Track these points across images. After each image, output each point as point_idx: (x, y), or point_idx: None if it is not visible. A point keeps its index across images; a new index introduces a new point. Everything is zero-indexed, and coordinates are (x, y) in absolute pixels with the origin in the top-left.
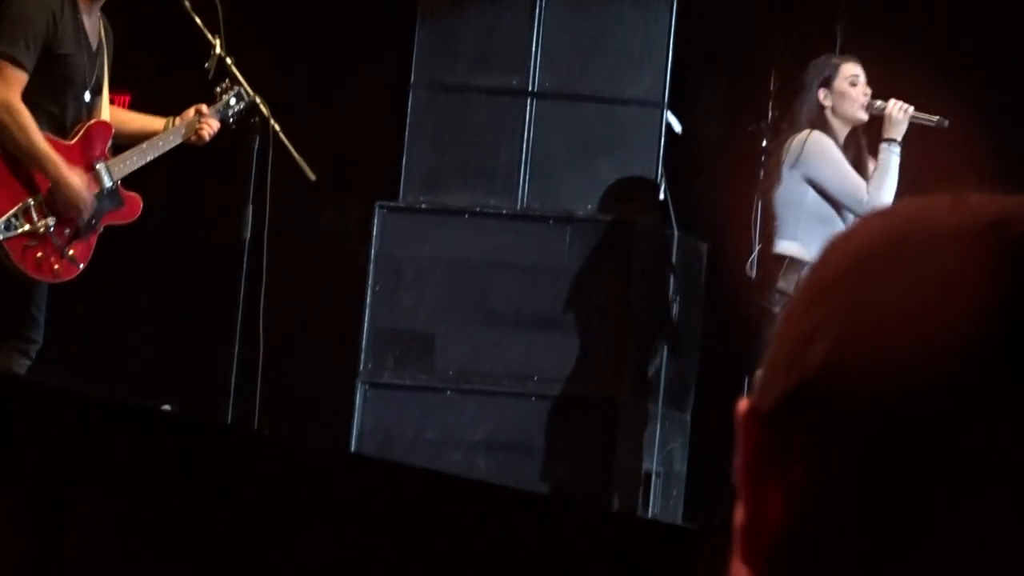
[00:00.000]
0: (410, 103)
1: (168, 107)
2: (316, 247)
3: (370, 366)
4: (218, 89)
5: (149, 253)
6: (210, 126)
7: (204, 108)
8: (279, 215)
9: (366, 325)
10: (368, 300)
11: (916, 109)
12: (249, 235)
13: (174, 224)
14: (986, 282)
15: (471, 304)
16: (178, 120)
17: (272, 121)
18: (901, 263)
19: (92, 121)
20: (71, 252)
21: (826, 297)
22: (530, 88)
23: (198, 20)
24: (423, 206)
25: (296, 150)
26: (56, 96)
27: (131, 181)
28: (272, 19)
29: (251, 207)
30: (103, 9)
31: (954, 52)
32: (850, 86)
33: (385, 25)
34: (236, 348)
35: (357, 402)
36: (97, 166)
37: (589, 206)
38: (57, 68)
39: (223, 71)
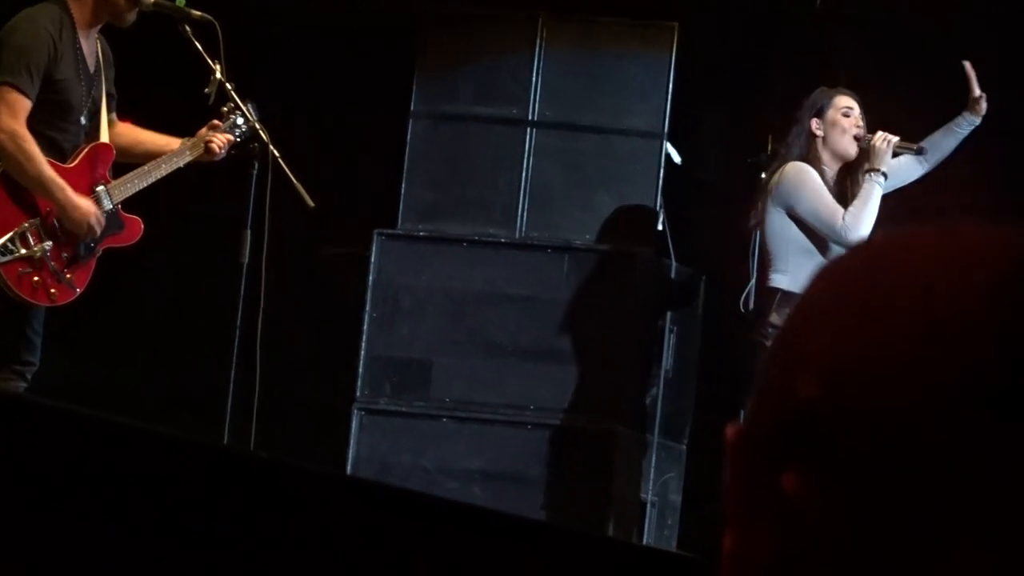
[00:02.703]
0: (410, 132)
1: (167, 133)
2: (314, 273)
3: (366, 393)
4: (224, 109)
5: (147, 276)
6: (220, 139)
7: (217, 123)
8: (277, 241)
9: (363, 352)
10: (365, 327)
11: (901, 140)
12: (247, 260)
13: (172, 247)
14: (982, 317)
15: (468, 333)
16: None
17: (272, 147)
18: (889, 295)
19: (93, 144)
20: (68, 276)
21: (812, 329)
22: (530, 118)
23: (199, 46)
24: (421, 234)
25: (295, 177)
26: (55, 121)
27: (130, 204)
28: (272, 45)
29: (249, 232)
30: (102, 32)
31: (957, 88)
32: (843, 116)
33: (386, 54)
34: (232, 372)
35: (353, 429)
36: (97, 189)
37: (588, 236)
38: (55, 93)
39: (224, 97)
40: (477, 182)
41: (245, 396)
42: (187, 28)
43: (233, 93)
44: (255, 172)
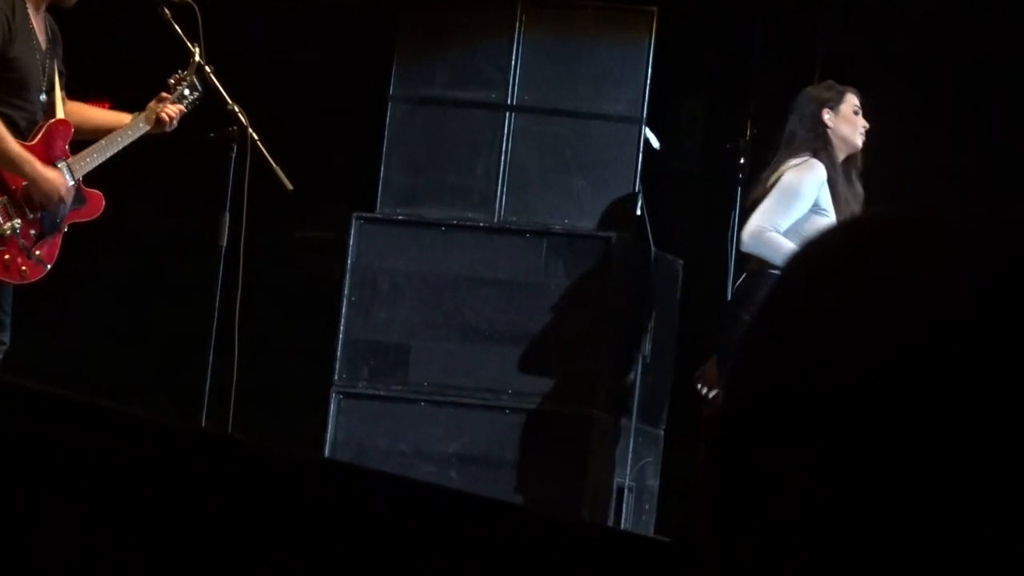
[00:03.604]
0: (388, 115)
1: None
2: (292, 257)
3: (344, 376)
4: (171, 80)
5: (125, 259)
6: (170, 110)
7: (164, 95)
8: (256, 224)
9: (341, 335)
10: (343, 311)
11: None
12: (226, 243)
13: (151, 230)
14: (962, 304)
15: (446, 317)
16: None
17: (250, 130)
18: (871, 279)
19: (51, 121)
20: (37, 253)
21: (791, 311)
22: (508, 102)
23: (178, 29)
24: (400, 218)
25: (274, 160)
26: (11, 99)
27: (111, 185)
28: (252, 29)
29: (228, 215)
30: (50, 11)
31: (932, 78)
32: (853, 114)
33: (366, 37)
34: (211, 355)
35: (331, 412)
36: (58, 165)
37: (566, 221)
38: (12, 72)
39: (202, 80)
40: (456, 166)
41: (223, 379)
42: (166, 11)
43: (212, 76)
44: (234, 155)
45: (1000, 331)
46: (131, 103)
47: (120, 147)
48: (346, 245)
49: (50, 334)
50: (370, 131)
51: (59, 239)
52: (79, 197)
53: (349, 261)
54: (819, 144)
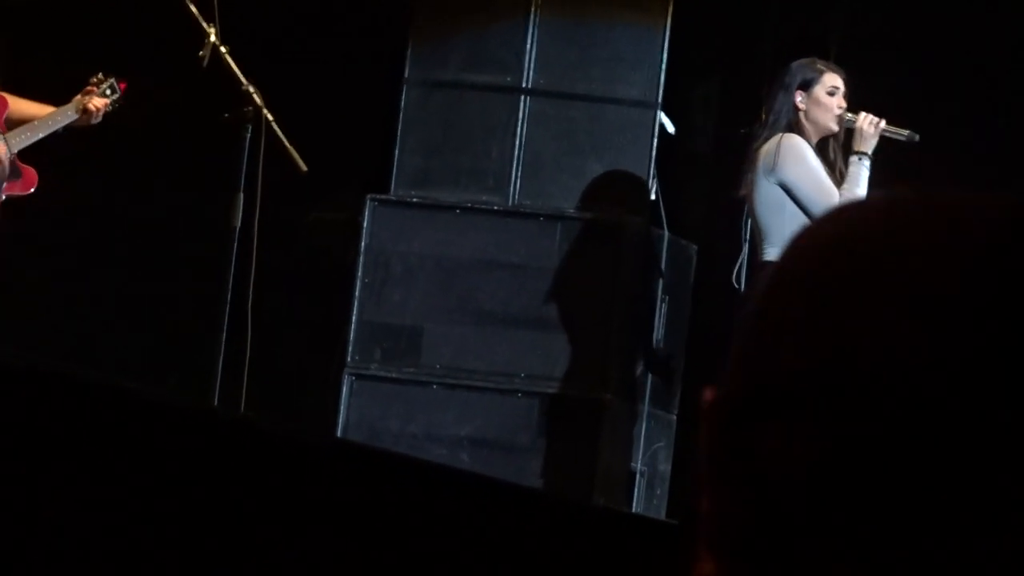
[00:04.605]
0: (403, 98)
1: (161, 95)
2: (306, 238)
3: (357, 358)
4: (93, 79)
5: (138, 238)
6: (96, 102)
7: (90, 89)
8: (270, 205)
9: (354, 317)
10: (356, 293)
11: (887, 123)
12: (239, 224)
13: (164, 210)
14: (961, 288)
15: (459, 300)
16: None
17: (265, 111)
18: (868, 263)
19: None
20: None
21: (791, 296)
22: (523, 85)
23: (194, 9)
24: (414, 200)
25: (288, 141)
26: None
27: (128, 165)
28: (267, 9)
29: (242, 196)
30: None
31: (946, 68)
32: (828, 95)
33: (380, 19)
34: (223, 336)
35: (343, 394)
36: None
37: (580, 205)
38: None
39: (218, 60)
40: (470, 149)
41: (236, 359)
42: None
43: (228, 57)
44: (248, 136)
45: (1005, 314)
46: (149, 84)
47: (51, 130)
48: (360, 227)
49: (62, 313)
50: (384, 114)
51: None
52: (15, 171)
53: (363, 243)
54: (792, 128)
